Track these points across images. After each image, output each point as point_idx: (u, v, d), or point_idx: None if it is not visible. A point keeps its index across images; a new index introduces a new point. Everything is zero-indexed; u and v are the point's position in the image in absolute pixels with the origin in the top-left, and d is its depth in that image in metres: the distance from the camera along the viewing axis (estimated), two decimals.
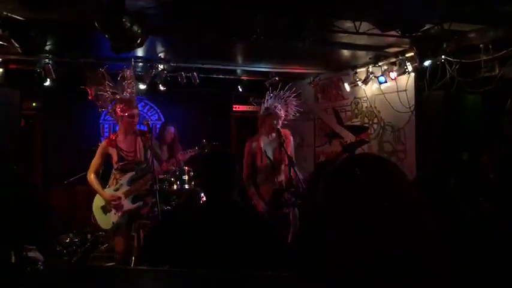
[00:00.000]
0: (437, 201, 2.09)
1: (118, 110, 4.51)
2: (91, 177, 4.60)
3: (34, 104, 7.11)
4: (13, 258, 2.91)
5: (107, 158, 4.62)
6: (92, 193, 6.35)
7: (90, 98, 4.70)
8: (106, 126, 8.05)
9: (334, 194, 1.05)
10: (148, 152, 4.59)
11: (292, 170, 4.57)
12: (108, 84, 4.57)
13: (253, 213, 3.56)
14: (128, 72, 4.64)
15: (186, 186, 6.35)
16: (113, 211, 4.50)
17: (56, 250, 5.83)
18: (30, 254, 2.46)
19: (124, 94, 4.57)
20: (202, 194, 5.42)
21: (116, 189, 4.55)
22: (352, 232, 0.99)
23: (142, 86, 6.38)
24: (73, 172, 6.31)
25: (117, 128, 7.88)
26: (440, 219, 2.02)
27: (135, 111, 4.56)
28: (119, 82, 4.65)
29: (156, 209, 4.39)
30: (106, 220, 4.56)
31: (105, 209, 4.57)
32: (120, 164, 4.55)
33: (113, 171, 4.65)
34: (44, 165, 7.39)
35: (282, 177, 4.82)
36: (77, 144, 7.04)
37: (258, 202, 4.64)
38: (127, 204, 4.52)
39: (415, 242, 0.96)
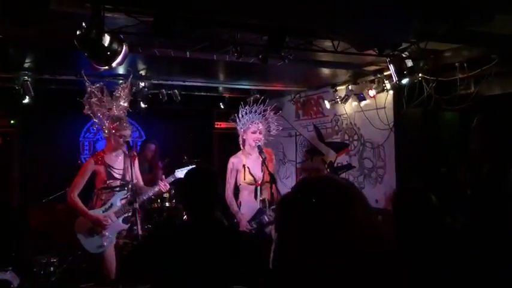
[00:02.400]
0: (419, 216, 2.11)
1: (111, 128, 4.42)
2: (74, 197, 4.32)
3: (12, 122, 7.02)
4: None
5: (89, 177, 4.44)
6: (72, 212, 6.25)
7: (85, 112, 4.52)
8: (86, 143, 7.97)
9: (285, 220, 1.05)
10: (134, 171, 4.49)
11: (274, 187, 4.57)
12: (108, 100, 4.51)
13: (235, 231, 3.55)
14: (126, 89, 4.65)
15: (167, 204, 6.31)
16: (104, 233, 4.30)
17: (33, 271, 5.68)
18: (2, 276, 2.39)
19: (118, 111, 4.51)
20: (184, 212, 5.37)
21: (105, 210, 4.35)
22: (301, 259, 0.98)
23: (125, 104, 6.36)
24: (52, 190, 6.20)
25: (97, 146, 7.94)
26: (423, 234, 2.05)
27: (127, 132, 4.46)
28: (115, 98, 4.59)
29: (135, 228, 4.32)
30: (94, 243, 4.34)
31: (92, 232, 4.33)
32: (110, 182, 4.38)
33: (96, 191, 4.44)
34: (22, 184, 7.25)
35: (264, 195, 4.82)
36: (56, 162, 6.95)
37: (240, 220, 4.63)
38: (120, 225, 4.41)
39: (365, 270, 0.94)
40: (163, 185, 4.46)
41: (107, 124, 4.47)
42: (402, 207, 2.21)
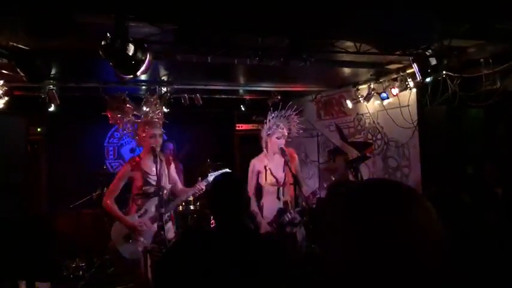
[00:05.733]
0: (455, 217, 2.08)
1: (140, 131, 4.36)
2: (110, 203, 4.25)
3: (39, 129, 7.16)
4: None
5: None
6: (99, 217, 6.35)
7: (110, 122, 4.47)
8: (111, 149, 8.09)
9: (339, 220, 1.03)
10: (169, 175, 4.52)
11: (297, 188, 4.57)
12: (130, 108, 4.44)
13: (261, 237, 3.56)
14: (153, 97, 4.58)
15: (191, 207, 6.37)
16: (139, 238, 4.24)
17: (63, 275, 5.82)
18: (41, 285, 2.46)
19: (147, 117, 4.45)
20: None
21: (140, 216, 4.29)
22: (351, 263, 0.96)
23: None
24: (78, 196, 6.33)
25: (121, 151, 8.06)
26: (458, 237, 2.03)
27: (157, 131, 4.36)
28: (142, 106, 4.53)
29: (162, 233, 4.34)
30: (131, 249, 4.25)
31: (129, 237, 4.27)
32: (145, 188, 4.30)
33: (132, 196, 4.38)
34: (49, 190, 7.41)
35: (287, 197, 4.81)
36: (82, 168, 7.08)
37: (261, 221, 4.63)
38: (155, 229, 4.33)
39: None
40: (198, 188, 4.44)
41: (134, 130, 4.44)
42: (436, 209, 2.16)
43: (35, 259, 2.79)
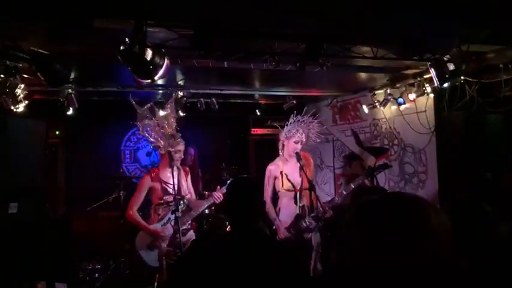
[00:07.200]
0: (478, 229, 2.06)
1: (167, 145, 4.55)
2: (133, 213, 4.54)
3: (57, 133, 7.28)
4: None
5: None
6: (115, 219, 6.41)
7: (140, 133, 4.67)
8: (127, 152, 8.18)
9: (361, 231, 1.04)
10: (187, 185, 4.68)
11: (313, 194, 4.55)
12: (159, 119, 4.60)
13: (276, 242, 3.55)
14: (168, 106, 4.70)
15: (207, 211, 6.38)
16: (164, 245, 4.46)
17: (79, 277, 5.87)
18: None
19: (170, 128, 4.61)
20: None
21: (163, 225, 4.53)
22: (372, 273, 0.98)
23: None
24: (95, 199, 6.40)
25: (138, 154, 8.13)
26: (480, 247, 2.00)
27: (182, 147, 4.60)
28: (164, 116, 4.66)
29: (177, 236, 4.38)
30: (154, 257, 4.49)
31: (152, 246, 4.52)
32: (165, 197, 4.53)
33: (153, 206, 4.62)
34: (66, 192, 7.51)
35: (303, 202, 4.79)
36: (99, 171, 7.16)
37: (278, 227, 4.63)
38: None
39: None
40: (217, 196, 4.60)
41: (162, 142, 4.58)
42: (459, 220, 2.13)
43: (54, 260, 2.85)
